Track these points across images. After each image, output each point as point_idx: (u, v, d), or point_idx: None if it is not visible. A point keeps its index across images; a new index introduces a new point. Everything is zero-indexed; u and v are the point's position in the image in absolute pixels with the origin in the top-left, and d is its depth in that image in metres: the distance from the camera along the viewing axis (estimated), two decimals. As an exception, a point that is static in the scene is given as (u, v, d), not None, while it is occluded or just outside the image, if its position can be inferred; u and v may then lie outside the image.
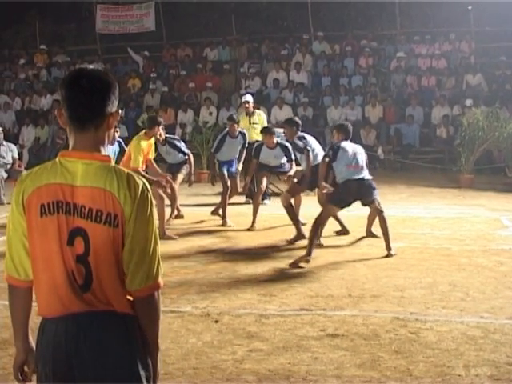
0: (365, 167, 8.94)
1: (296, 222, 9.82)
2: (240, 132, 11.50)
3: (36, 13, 25.43)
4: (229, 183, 11.31)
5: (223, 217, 11.08)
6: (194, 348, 5.57)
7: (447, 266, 8.24)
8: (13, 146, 13.86)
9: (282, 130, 15.26)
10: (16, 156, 13.90)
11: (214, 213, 11.56)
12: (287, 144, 10.66)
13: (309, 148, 9.87)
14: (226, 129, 11.75)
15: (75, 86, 2.52)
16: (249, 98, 13.76)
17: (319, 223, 8.68)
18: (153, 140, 10.42)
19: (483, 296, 6.98)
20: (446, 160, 17.83)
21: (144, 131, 10.41)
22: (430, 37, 21.62)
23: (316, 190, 10.01)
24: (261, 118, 13.75)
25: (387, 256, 8.70)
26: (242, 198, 13.03)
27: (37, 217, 2.50)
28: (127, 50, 23.85)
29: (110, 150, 11.33)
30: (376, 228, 9.44)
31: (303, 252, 8.50)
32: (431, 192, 14.54)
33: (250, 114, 13.47)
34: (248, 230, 10.55)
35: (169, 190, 11.43)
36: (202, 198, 13.80)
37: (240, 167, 11.91)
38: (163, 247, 9.11)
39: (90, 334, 2.48)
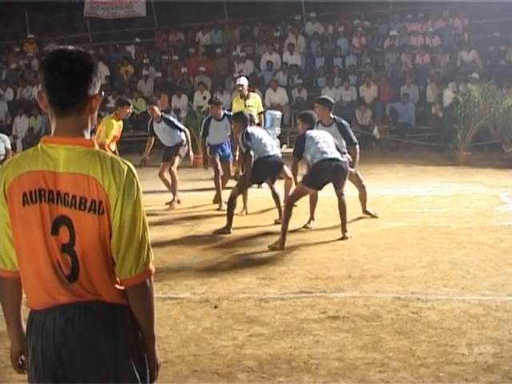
0: (335, 150, 8.77)
1: (229, 216, 9.40)
2: (225, 114, 11.38)
3: (26, 3, 25.15)
4: (220, 167, 11.22)
5: (219, 200, 10.99)
6: (193, 335, 5.50)
7: (447, 244, 8.17)
8: (5, 137, 13.77)
9: (278, 113, 15.22)
10: (9, 146, 13.82)
11: (216, 201, 11.36)
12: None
13: (251, 153, 9.37)
14: (210, 112, 11.72)
15: (55, 69, 2.40)
16: (243, 80, 13.63)
17: (290, 203, 8.59)
18: (121, 122, 10.69)
19: (484, 273, 6.92)
20: (441, 138, 17.72)
21: (114, 112, 10.70)
22: (422, 14, 21.46)
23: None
24: (256, 100, 13.63)
25: (342, 238, 8.58)
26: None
27: (19, 206, 2.40)
28: (119, 37, 23.67)
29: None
30: (373, 207, 9.38)
31: (302, 235, 8.44)
32: (428, 170, 14.46)
33: (244, 97, 13.35)
34: (236, 214, 10.27)
35: (165, 175, 11.41)
36: (198, 183, 13.70)
37: (237, 153, 11.74)
38: (160, 233, 9.06)
39: (78, 325, 2.39)
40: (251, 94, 13.66)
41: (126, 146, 16.78)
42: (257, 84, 19.59)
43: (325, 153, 8.57)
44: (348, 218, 9.58)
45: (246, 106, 13.32)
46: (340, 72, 19.99)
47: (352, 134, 9.70)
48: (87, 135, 2.47)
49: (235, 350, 5.14)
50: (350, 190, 9.43)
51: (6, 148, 13.56)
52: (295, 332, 5.45)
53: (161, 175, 11.52)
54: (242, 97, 13.40)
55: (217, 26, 22.93)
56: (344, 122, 9.87)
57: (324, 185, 8.77)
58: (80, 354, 2.39)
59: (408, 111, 18.73)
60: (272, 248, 8.23)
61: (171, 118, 11.58)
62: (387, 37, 20.83)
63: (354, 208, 10.06)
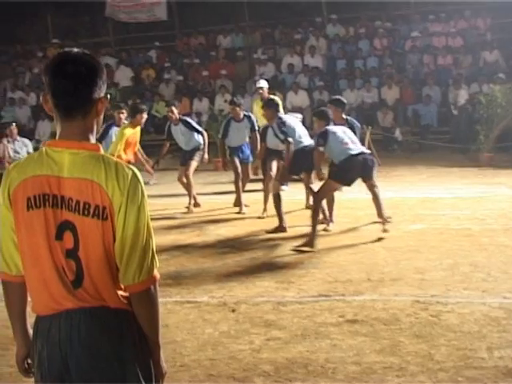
0: (359, 143, 8.86)
1: (279, 213, 9.49)
2: (245, 115, 11.36)
3: (49, 7, 25.32)
4: (240, 170, 11.19)
5: (239, 204, 10.97)
6: (210, 339, 5.48)
7: (468, 246, 8.09)
8: (27, 142, 13.85)
9: (299, 115, 15.18)
10: (31, 151, 13.88)
11: (236, 204, 11.35)
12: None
13: (290, 140, 9.51)
14: (230, 113, 11.70)
15: (60, 73, 2.39)
16: (263, 83, 13.61)
17: (319, 199, 8.58)
18: (138, 129, 10.67)
19: (505, 276, 6.83)
20: (464, 139, 17.53)
21: (130, 120, 10.67)
22: (444, 15, 21.26)
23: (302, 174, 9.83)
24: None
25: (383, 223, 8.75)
26: (259, 185, 12.88)
27: (23, 211, 2.39)
28: (140, 41, 23.77)
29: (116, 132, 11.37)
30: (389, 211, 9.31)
31: (325, 237, 8.40)
32: (451, 172, 14.32)
33: (264, 101, 13.33)
34: (258, 217, 10.35)
35: (184, 179, 11.40)
36: (218, 186, 13.68)
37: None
38: (180, 236, 9.04)
39: (83, 331, 2.37)
40: (271, 96, 13.62)
41: (147, 150, 16.75)
42: (278, 87, 19.56)
43: (350, 149, 8.59)
44: (368, 221, 9.55)
45: (264, 108, 13.31)
46: (361, 74, 19.88)
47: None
48: (92, 139, 2.46)
49: (252, 354, 5.12)
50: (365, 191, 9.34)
51: (28, 152, 13.64)
52: (313, 336, 5.42)
53: (180, 179, 11.53)
54: (261, 100, 13.37)
55: (238, 29, 22.91)
56: (357, 123, 9.84)
57: (353, 181, 8.76)
58: (86, 359, 2.37)
59: (430, 112, 18.57)
60: (297, 249, 8.19)
61: (189, 120, 11.60)
62: (409, 38, 20.69)
63: (369, 210, 10.01)
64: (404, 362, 4.82)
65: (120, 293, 2.44)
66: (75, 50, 2.45)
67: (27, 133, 20.05)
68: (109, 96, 2.53)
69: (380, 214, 8.78)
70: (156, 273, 2.47)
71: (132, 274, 2.40)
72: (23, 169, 2.42)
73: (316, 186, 9.30)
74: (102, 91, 2.44)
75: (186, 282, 7.10)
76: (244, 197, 11.17)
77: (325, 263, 7.63)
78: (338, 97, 10.95)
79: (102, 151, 2.43)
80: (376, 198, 8.78)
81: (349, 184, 8.83)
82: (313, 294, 6.52)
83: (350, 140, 8.70)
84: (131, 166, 2.43)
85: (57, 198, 2.38)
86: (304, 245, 8.27)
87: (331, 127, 8.83)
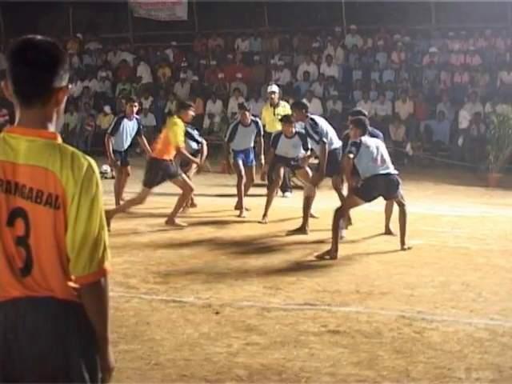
0: (389, 161, 8.76)
1: (306, 215, 9.69)
2: (252, 120, 11.34)
3: (74, 2, 25.39)
4: (243, 173, 11.17)
5: (240, 207, 10.93)
6: (189, 339, 5.45)
7: (463, 265, 8.01)
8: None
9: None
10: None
11: (237, 207, 11.33)
12: (303, 131, 10.58)
13: (324, 140, 9.63)
14: (238, 117, 11.65)
15: (20, 59, 2.35)
16: (275, 88, 13.63)
17: (341, 215, 8.53)
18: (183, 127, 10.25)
19: (496, 297, 6.75)
20: (476, 158, 17.45)
21: (177, 116, 10.24)
22: (464, 32, 21.14)
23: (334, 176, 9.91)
24: (285, 109, 13.56)
25: (402, 249, 8.57)
26: (264, 190, 12.85)
27: None
28: (160, 39, 23.84)
29: (129, 126, 11.32)
30: (393, 224, 9.23)
31: (321, 245, 8.37)
32: (457, 190, 14.24)
33: (274, 106, 13.33)
34: (258, 222, 10.33)
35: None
36: (223, 189, 13.64)
37: (262, 158, 11.67)
38: (176, 235, 9.04)
39: (28, 321, 2.34)
40: (281, 102, 13.62)
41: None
42: (292, 94, 19.55)
43: (377, 167, 8.55)
44: (368, 234, 9.51)
45: (275, 114, 13.29)
46: (377, 86, 19.81)
47: None
48: (51, 128, 2.42)
49: (228, 357, 5.08)
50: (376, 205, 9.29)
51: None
52: (292, 344, 5.37)
53: None
54: (271, 105, 13.37)
55: (256, 34, 22.89)
56: (380, 134, 9.87)
57: (374, 198, 8.74)
58: (29, 350, 2.34)
59: (443, 129, 18.47)
60: (320, 257, 8.19)
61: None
62: (427, 53, 20.58)
63: (375, 223, 9.98)
64: (379, 377, 4.77)
65: (70, 284, 2.40)
66: (38, 37, 2.41)
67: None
68: (70, 86, 2.50)
69: (402, 235, 8.75)
70: (107, 266, 2.43)
71: (82, 264, 2.37)
72: None
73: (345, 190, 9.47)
74: (63, 80, 2.41)
75: (175, 282, 7.08)
76: (246, 201, 11.13)
77: (316, 272, 7.59)
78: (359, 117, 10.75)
79: (59, 140, 2.40)
80: (402, 216, 8.76)
81: (369, 201, 8.79)
82: (299, 301, 6.48)
83: (380, 158, 8.62)
84: (88, 157, 2.40)
85: (11, 184, 2.35)
86: (326, 253, 8.25)
87: (366, 139, 8.74)
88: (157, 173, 9.76)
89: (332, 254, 8.19)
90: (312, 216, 10.60)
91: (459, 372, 4.89)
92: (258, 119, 11.77)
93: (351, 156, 8.56)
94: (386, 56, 20.97)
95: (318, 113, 19.22)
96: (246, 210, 11.01)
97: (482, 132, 17.57)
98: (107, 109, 20.04)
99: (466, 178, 15.72)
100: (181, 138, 9.92)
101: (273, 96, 13.32)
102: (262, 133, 11.76)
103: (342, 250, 8.62)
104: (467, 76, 19.78)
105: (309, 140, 10.04)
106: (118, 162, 11.49)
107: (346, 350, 5.25)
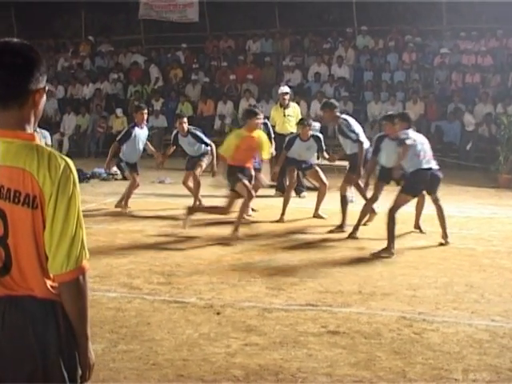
0: (431, 156, 9.00)
1: (344, 213, 9.94)
2: (263, 123, 11.30)
3: (88, 4, 25.49)
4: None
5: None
6: (188, 339, 5.47)
7: (468, 266, 7.99)
8: (46, 133, 13.92)
9: (317, 124, 15.19)
10: (49, 143, 13.98)
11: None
12: (320, 135, 11.01)
13: (362, 140, 9.98)
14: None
15: None
16: (287, 89, 13.67)
17: (393, 214, 8.61)
18: (257, 134, 9.62)
19: (499, 299, 6.73)
20: (487, 159, 17.37)
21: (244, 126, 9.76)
22: (476, 33, 21.08)
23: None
24: (295, 110, 13.63)
25: (443, 244, 8.98)
26: (272, 191, 12.89)
27: None
28: (171, 41, 23.92)
29: (142, 134, 11.34)
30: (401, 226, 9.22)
31: (326, 246, 8.37)
32: (467, 191, 14.18)
33: (284, 106, 13.36)
34: (277, 221, 10.53)
35: (189, 183, 11.47)
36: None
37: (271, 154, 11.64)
38: (181, 236, 9.05)
39: (8, 320, 2.38)
40: (291, 103, 13.66)
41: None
42: (303, 95, 19.58)
43: (421, 161, 8.73)
44: (373, 235, 9.50)
45: (285, 115, 13.33)
46: (388, 87, 19.79)
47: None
48: (29, 129, 2.46)
49: (226, 357, 5.10)
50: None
51: (46, 144, 13.73)
52: (290, 344, 5.38)
53: (185, 183, 11.62)
54: (281, 106, 13.39)
55: (267, 35, 22.94)
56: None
57: (421, 192, 9.09)
58: (9, 349, 2.38)
59: (454, 130, 18.40)
60: (377, 255, 8.35)
61: (198, 133, 11.37)
62: (438, 54, 20.54)
63: (383, 224, 9.97)
64: (375, 378, 4.77)
65: (49, 283, 2.44)
66: (14, 40, 2.45)
67: (53, 125, 20.31)
68: (48, 86, 2.54)
69: (444, 229, 9.12)
70: (85, 263, 2.46)
71: (60, 263, 2.41)
72: None
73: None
74: (40, 82, 2.45)
75: (178, 282, 7.11)
76: (253, 201, 11.12)
77: (319, 273, 7.59)
78: (404, 112, 10.79)
79: (37, 141, 2.44)
80: (440, 212, 9.17)
81: (416, 195, 9.08)
82: (300, 302, 6.49)
83: (424, 153, 8.80)
84: (65, 157, 2.44)
85: None
86: (382, 251, 8.40)
87: (413, 133, 8.95)
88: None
89: (389, 251, 8.37)
90: (320, 217, 10.66)
91: (456, 373, 4.88)
92: (266, 120, 11.76)
93: (409, 142, 8.65)
94: (397, 57, 20.96)
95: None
96: (253, 210, 11.03)
97: (493, 133, 17.52)
98: (119, 112, 20.15)
99: (476, 179, 15.66)
100: (229, 149, 9.38)
101: (285, 97, 13.35)
102: (273, 135, 11.76)
103: (347, 251, 8.66)
104: (478, 76, 19.72)
105: (342, 138, 10.21)
106: (127, 172, 11.53)
107: (345, 351, 5.26)
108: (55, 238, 2.39)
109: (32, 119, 2.48)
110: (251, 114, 9.67)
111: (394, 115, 9.84)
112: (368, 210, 9.91)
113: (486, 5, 21.03)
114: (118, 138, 11.44)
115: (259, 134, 9.66)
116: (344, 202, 10.05)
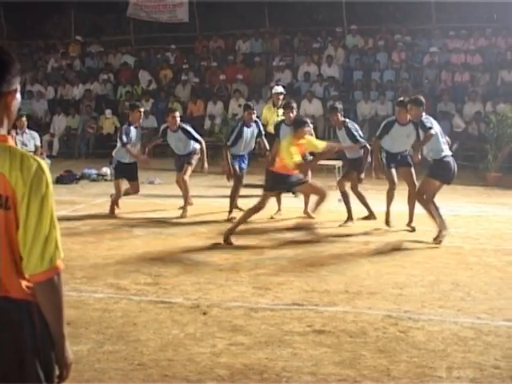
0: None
1: (348, 207, 10.24)
2: (254, 120, 11.25)
3: (77, 4, 25.42)
4: (239, 178, 11.11)
5: (231, 211, 10.82)
6: (174, 339, 5.48)
7: (454, 264, 8.02)
8: (35, 134, 13.90)
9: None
10: (38, 144, 13.95)
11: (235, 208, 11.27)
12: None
13: (368, 147, 10.39)
14: (241, 120, 11.61)
15: None
16: (282, 89, 13.59)
17: (428, 200, 9.00)
18: (306, 140, 9.50)
19: (484, 296, 6.76)
20: (476, 157, 17.43)
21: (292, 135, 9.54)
22: (465, 32, 21.12)
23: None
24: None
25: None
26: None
27: None
28: (160, 41, 23.88)
29: (137, 133, 11.23)
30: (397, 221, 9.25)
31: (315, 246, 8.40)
32: (456, 189, 14.12)
33: (278, 106, 13.31)
34: (271, 218, 10.70)
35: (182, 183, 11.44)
36: (222, 190, 13.64)
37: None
38: (171, 237, 9.05)
39: None
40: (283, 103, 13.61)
41: (160, 149, 16.86)
42: (293, 94, 19.56)
43: (446, 149, 8.98)
44: (360, 233, 9.52)
45: (278, 115, 13.29)
46: (377, 86, 19.82)
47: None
48: (2, 131, 2.47)
49: (211, 357, 5.11)
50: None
51: (35, 145, 13.71)
52: (276, 344, 5.40)
53: (178, 183, 11.56)
54: (274, 105, 13.34)
55: (257, 35, 22.93)
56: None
57: (452, 179, 9.29)
58: None
59: (443, 129, 18.39)
60: (438, 241, 8.86)
61: (188, 129, 11.31)
62: (427, 53, 20.57)
63: (372, 223, 10.04)
64: (359, 376, 4.79)
65: (24, 283, 2.46)
66: None
67: (43, 126, 20.27)
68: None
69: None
70: (59, 263, 2.47)
71: (34, 263, 2.42)
72: None
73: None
74: (12, 85, 2.46)
75: (165, 282, 7.12)
76: (240, 202, 11.15)
77: (306, 272, 7.61)
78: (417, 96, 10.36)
79: (10, 142, 2.45)
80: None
81: (449, 182, 9.28)
82: (287, 302, 6.50)
83: (443, 139, 9.04)
84: (37, 158, 2.45)
85: None
86: (438, 235, 8.89)
87: (432, 119, 9.11)
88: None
89: (444, 231, 8.90)
90: (309, 216, 10.63)
91: (440, 371, 4.90)
92: (257, 119, 11.70)
93: (433, 132, 8.73)
94: (387, 56, 20.98)
95: (318, 113, 19.35)
96: (241, 210, 10.99)
97: (482, 131, 17.57)
98: (108, 113, 20.13)
99: (464, 178, 15.61)
100: (294, 158, 9.13)
101: (279, 97, 13.25)
102: (264, 133, 11.76)
103: (334, 250, 8.69)
104: (468, 75, 19.77)
105: (350, 142, 10.31)
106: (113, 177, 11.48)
107: (330, 350, 5.28)
108: (29, 239, 2.40)
109: (5, 121, 2.49)
110: (302, 123, 9.56)
111: (407, 100, 9.67)
112: (392, 196, 10.07)
113: (474, 4, 21.11)
114: (124, 141, 11.05)
115: (306, 139, 9.52)
116: (345, 196, 10.26)
